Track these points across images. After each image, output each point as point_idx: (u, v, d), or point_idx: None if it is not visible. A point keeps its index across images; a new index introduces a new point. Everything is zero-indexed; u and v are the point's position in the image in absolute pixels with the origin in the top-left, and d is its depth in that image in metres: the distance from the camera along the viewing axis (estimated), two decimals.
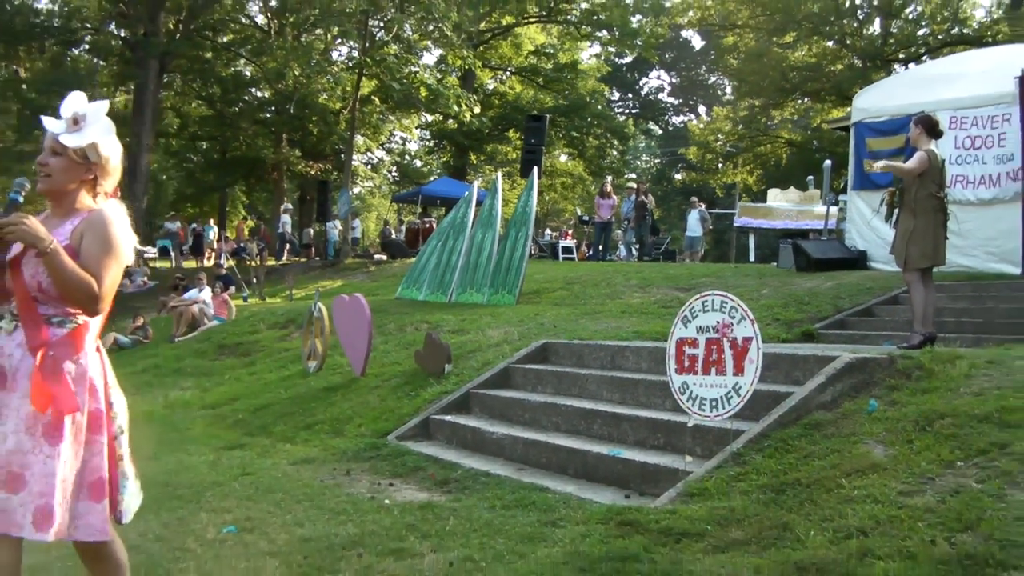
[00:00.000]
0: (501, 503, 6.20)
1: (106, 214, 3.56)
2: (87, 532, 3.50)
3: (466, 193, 18.53)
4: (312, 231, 37.62)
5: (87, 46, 39.95)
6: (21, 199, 3.51)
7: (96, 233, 3.50)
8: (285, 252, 35.28)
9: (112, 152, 3.66)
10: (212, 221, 40.33)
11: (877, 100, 15.53)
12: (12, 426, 3.36)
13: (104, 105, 3.68)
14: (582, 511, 5.81)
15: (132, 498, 3.73)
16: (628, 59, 62.21)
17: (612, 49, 51.08)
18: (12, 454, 3.34)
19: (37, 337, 3.43)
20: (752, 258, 28.08)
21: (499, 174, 19.36)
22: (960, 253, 12.35)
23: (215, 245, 35.12)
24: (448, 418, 8.88)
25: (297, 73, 33.54)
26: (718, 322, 6.17)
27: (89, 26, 37.77)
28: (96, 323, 3.60)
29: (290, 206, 41.65)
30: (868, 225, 14.73)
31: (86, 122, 3.59)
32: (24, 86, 37.32)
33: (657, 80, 77.51)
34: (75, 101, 3.64)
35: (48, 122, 3.61)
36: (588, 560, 4.76)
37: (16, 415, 3.38)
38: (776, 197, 28.36)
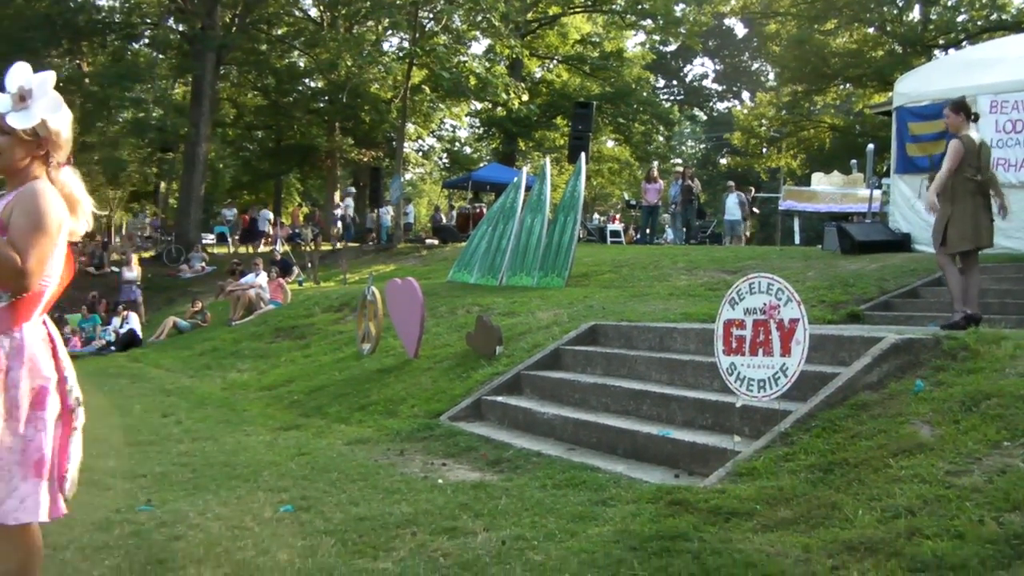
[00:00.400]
0: (552, 482, 6.24)
1: (37, 187, 3.41)
2: (26, 512, 3.31)
3: (515, 179, 18.54)
4: (375, 215, 37.79)
5: (147, 40, 40.37)
6: None
7: (23, 207, 3.34)
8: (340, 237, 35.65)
9: (62, 125, 3.52)
10: (268, 208, 40.64)
11: (918, 85, 15.42)
12: None
13: (50, 77, 3.52)
14: (632, 490, 5.84)
15: (75, 477, 3.55)
16: (672, 47, 61.65)
17: (657, 37, 50.78)
18: None
19: None
20: (797, 241, 27.82)
21: (547, 160, 19.42)
22: (1003, 235, 12.18)
23: (270, 231, 35.45)
24: (499, 399, 8.96)
25: (349, 63, 33.69)
26: (765, 304, 6.20)
27: (149, 21, 38.22)
28: (42, 298, 3.47)
29: (353, 189, 41.82)
30: (911, 208, 14.67)
31: (32, 98, 3.44)
32: (87, 80, 37.83)
33: (701, 67, 77.23)
34: (19, 74, 3.47)
35: None
36: (638, 538, 4.79)
37: None
38: (820, 181, 28.05)
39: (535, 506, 5.68)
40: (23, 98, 3.42)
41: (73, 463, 3.51)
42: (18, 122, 3.39)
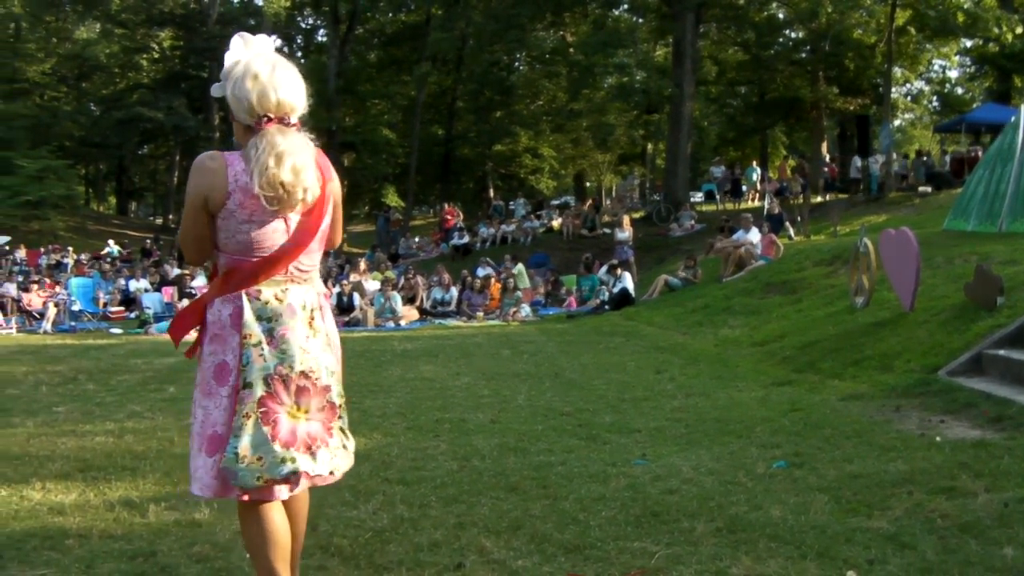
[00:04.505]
0: None
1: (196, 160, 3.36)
2: (197, 486, 3.36)
3: (1012, 118, 17.22)
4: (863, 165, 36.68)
5: (626, 6, 41.56)
6: None
7: None
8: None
9: (235, 89, 3.36)
10: (755, 163, 40.49)
11: None
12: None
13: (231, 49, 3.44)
14: None
15: (241, 461, 3.26)
16: None
17: None
18: None
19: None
20: None
21: None
22: None
23: (758, 186, 35.30)
24: (1001, 353, 8.30)
25: (830, 10, 32.81)
26: None
27: None
28: (235, 273, 3.41)
29: None
30: None
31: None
32: (571, 50, 39.65)
33: None
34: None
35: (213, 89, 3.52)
36: None
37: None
38: None
39: None
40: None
41: (233, 444, 3.28)
42: (214, 91, 3.47)
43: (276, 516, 3.39)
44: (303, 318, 3.46)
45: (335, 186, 3.57)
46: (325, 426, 3.44)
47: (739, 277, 19.29)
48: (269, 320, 3.39)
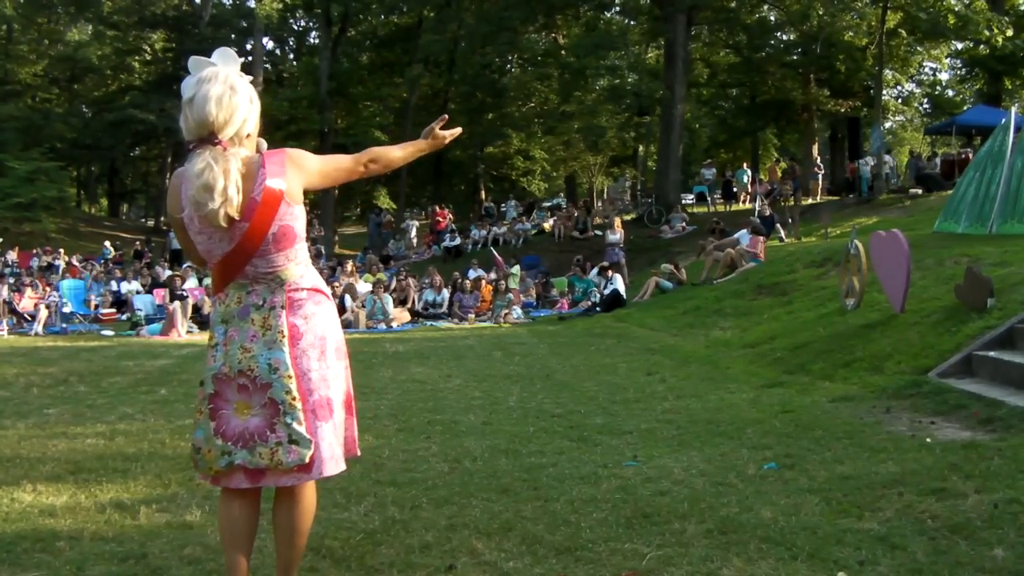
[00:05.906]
0: None
1: None
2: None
3: (1003, 120, 17.28)
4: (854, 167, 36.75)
5: (618, 8, 41.61)
6: None
7: None
8: (819, 191, 34.85)
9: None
10: (745, 165, 40.57)
11: None
12: None
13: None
14: None
15: (198, 451, 3.59)
16: None
17: None
18: None
19: None
20: None
21: None
22: None
23: (749, 188, 35.36)
24: (991, 354, 8.33)
25: (821, 12, 32.88)
26: None
27: None
28: (211, 278, 3.72)
29: None
30: None
31: None
32: (563, 52, 39.69)
33: None
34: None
35: None
36: None
37: None
38: None
39: None
40: None
41: (195, 436, 3.60)
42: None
43: (234, 505, 3.59)
44: (256, 318, 3.56)
45: (290, 180, 3.49)
46: (267, 423, 3.50)
47: (730, 279, 19.32)
48: (227, 322, 3.60)
